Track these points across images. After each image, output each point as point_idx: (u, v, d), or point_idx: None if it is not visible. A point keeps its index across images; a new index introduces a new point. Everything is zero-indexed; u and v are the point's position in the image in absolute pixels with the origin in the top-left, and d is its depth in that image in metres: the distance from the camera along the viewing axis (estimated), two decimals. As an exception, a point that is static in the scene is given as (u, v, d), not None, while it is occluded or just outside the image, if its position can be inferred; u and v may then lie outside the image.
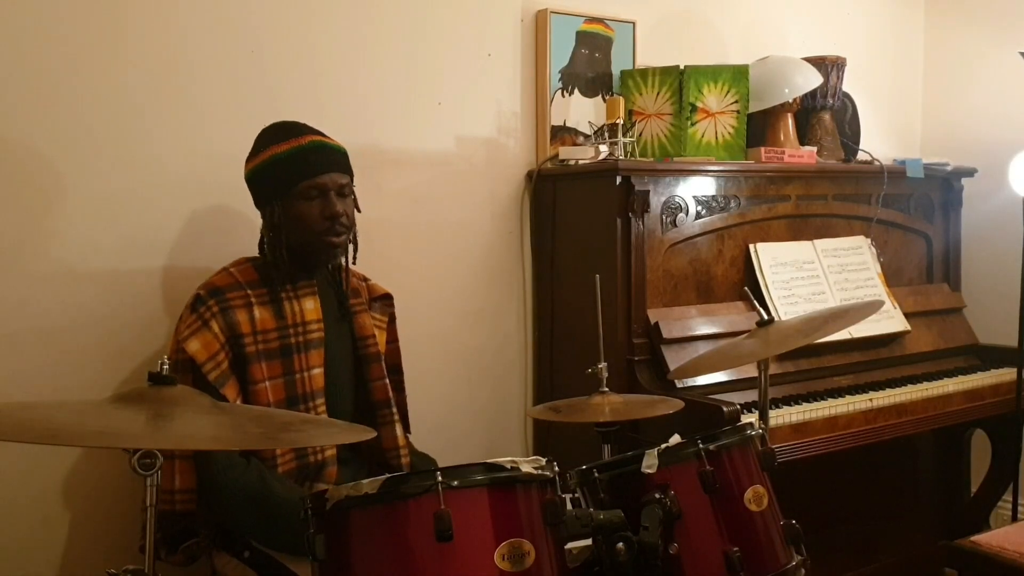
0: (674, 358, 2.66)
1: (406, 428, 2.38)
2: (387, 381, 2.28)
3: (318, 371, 2.15)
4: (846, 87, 3.35)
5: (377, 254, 2.58)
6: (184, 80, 2.42)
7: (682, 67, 2.97)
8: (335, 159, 2.15)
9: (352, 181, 2.19)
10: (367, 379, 2.27)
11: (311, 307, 2.16)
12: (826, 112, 3.31)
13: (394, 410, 2.28)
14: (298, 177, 2.09)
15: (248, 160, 2.17)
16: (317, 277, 2.20)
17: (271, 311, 2.11)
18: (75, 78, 2.28)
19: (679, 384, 2.65)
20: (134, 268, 2.38)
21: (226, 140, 2.47)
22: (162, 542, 2.04)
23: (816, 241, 3.11)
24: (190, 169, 2.44)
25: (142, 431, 1.42)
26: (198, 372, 1.99)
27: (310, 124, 2.20)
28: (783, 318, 2.80)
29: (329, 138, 2.17)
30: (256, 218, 2.19)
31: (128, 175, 2.36)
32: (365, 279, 2.36)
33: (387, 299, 2.39)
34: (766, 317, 2.32)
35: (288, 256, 2.12)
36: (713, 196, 2.90)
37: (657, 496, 1.69)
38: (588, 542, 1.64)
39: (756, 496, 1.79)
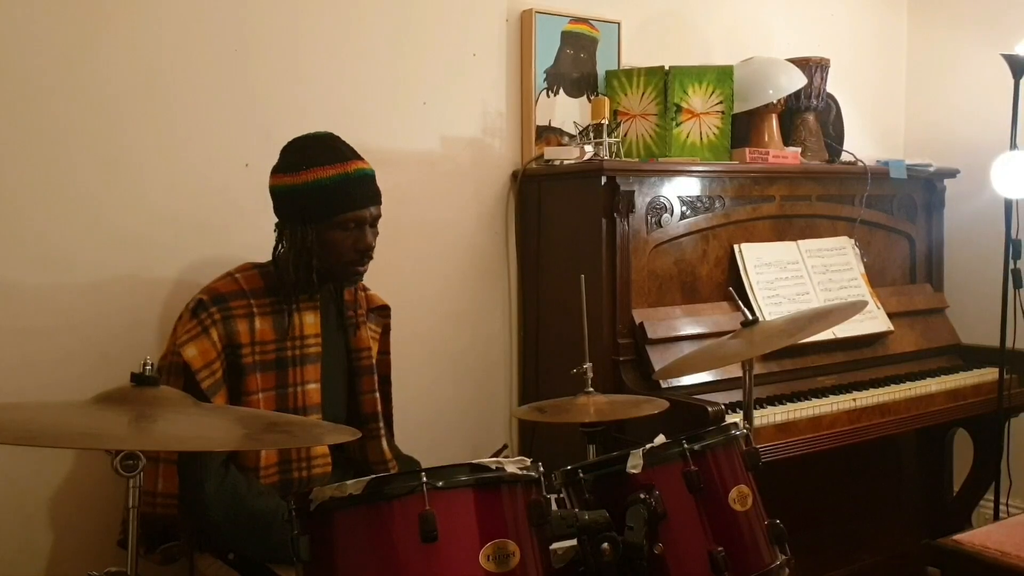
0: (659, 358, 2.67)
1: (390, 436, 2.37)
2: (377, 394, 2.27)
3: (313, 386, 2.13)
4: (830, 88, 3.37)
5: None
6: (166, 81, 2.41)
7: (667, 68, 2.98)
8: (375, 190, 2.12)
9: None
10: (358, 391, 2.26)
11: (311, 321, 2.14)
12: (810, 113, 3.32)
13: (381, 424, 2.27)
14: (340, 208, 2.05)
15: (283, 172, 2.09)
16: (320, 291, 2.18)
17: (271, 322, 2.08)
18: (55, 79, 2.27)
19: (664, 384, 2.65)
20: (115, 272, 2.36)
21: (209, 141, 2.46)
22: (141, 540, 2.02)
23: (800, 242, 3.12)
24: (171, 172, 2.42)
25: (125, 432, 1.41)
26: (191, 378, 1.97)
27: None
28: (767, 318, 2.80)
29: (364, 160, 2.12)
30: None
31: (110, 177, 2.34)
32: (365, 288, 2.34)
33: (384, 310, 2.38)
34: (750, 317, 2.33)
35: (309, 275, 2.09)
36: (698, 196, 2.90)
37: (642, 496, 1.69)
38: (573, 542, 1.64)
39: (741, 496, 1.79)
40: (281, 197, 2.10)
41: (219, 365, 2.01)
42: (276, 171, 2.11)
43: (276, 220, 2.14)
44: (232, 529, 1.98)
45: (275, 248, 2.14)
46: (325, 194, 2.04)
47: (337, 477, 2.19)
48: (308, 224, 2.05)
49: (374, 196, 2.12)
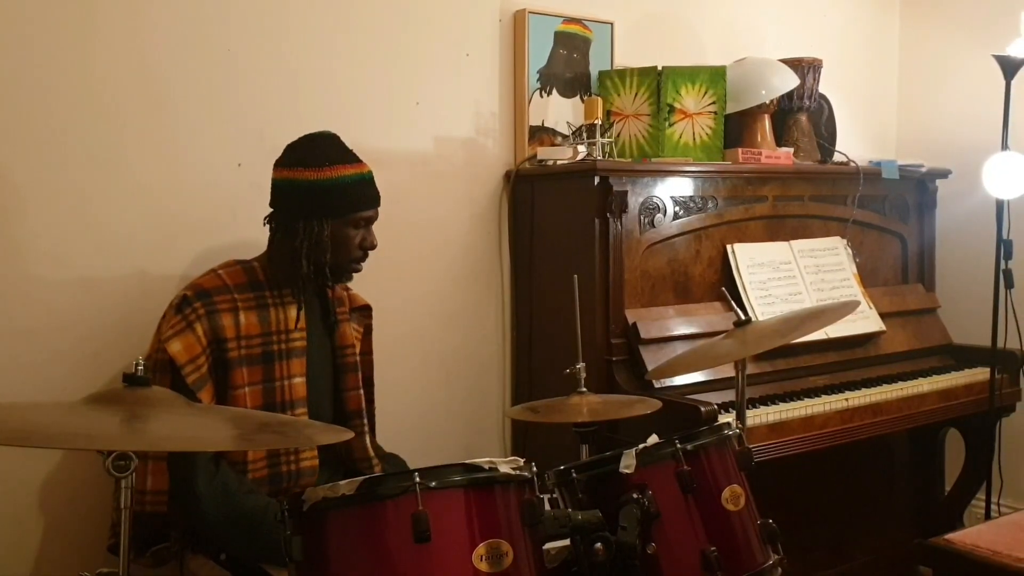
0: (652, 358, 2.67)
1: (372, 436, 2.38)
2: (361, 392, 2.29)
3: (299, 380, 2.14)
4: (822, 89, 3.37)
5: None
6: (158, 81, 2.40)
7: (660, 68, 2.98)
8: (378, 193, 2.20)
9: None
10: (342, 388, 2.27)
11: (296, 316, 2.15)
12: (803, 113, 3.33)
13: (365, 421, 2.29)
14: (358, 206, 2.13)
15: (301, 166, 2.09)
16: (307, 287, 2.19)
17: (256, 316, 2.09)
18: (45, 80, 2.25)
19: (657, 384, 2.65)
20: (108, 272, 2.35)
21: (201, 141, 2.46)
22: (131, 543, 2.02)
23: (793, 242, 3.12)
24: (164, 171, 2.42)
25: (117, 433, 1.41)
26: (177, 374, 1.97)
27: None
28: (760, 318, 2.81)
29: None
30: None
31: (101, 178, 2.33)
32: (347, 288, 2.35)
33: (366, 310, 2.39)
34: (743, 317, 2.33)
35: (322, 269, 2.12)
36: (691, 197, 2.91)
37: (635, 496, 1.69)
38: (566, 542, 1.64)
39: (733, 496, 1.80)
40: (296, 190, 2.09)
41: (204, 360, 2.01)
42: (291, 165, 2.11)
43: (273, 212, 2.15)
44: (224, 526, 1.98)
45: (271, 240, 2.14)
46: (346, 191, 2.10)
47: (324, 472, 2.20)
48: (324, 219, 2.09)
49: (378, 198, 2.19)
